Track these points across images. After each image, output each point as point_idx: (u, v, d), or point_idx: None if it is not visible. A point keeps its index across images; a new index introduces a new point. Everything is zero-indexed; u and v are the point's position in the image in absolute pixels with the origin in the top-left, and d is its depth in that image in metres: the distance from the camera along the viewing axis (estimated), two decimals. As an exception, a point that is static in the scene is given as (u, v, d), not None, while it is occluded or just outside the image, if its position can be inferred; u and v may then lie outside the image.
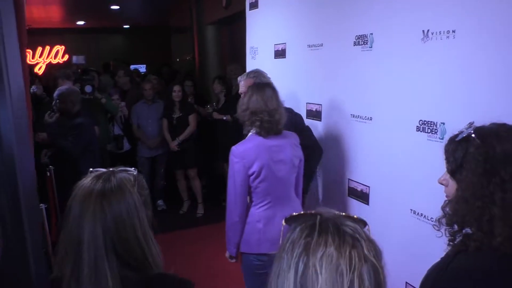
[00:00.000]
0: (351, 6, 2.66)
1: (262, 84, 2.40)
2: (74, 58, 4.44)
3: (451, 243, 1.15)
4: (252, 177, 2.25)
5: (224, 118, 5.13)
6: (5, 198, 0.85)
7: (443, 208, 1.16)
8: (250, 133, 2.34)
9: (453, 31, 1.95)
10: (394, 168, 2.37)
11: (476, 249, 1.05)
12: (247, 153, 2.24)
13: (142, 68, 10.98)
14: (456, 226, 1.12)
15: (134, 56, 12.54)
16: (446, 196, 1.20)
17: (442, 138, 2.04)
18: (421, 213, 2.20)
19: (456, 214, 1.10)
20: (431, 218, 2.10)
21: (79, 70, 6.02)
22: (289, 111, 2.69)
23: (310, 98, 3.19)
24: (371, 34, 2.50)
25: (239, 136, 5.09)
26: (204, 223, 5.11)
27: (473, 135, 1.09)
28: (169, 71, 8.30)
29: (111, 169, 1.12)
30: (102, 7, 9.62)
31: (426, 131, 2.13)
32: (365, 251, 0.72)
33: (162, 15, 11.15)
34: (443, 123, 2.04)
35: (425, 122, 2.14)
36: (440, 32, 2.03)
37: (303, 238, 0.74)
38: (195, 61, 8.58)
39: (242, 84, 2.87)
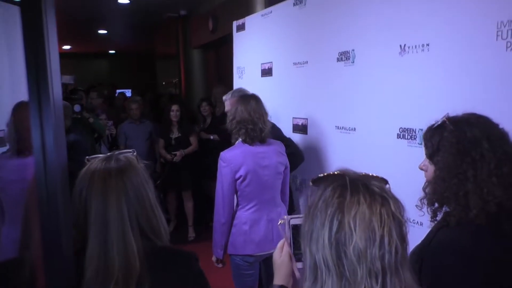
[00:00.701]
0: (334, 25, 2.84)
1: (247, 96, 2.59)
2: (63, 77, 4.51)
3: (433, 220, 1.27)
4: (238, 181, 2.41)
5: (211, 137, 5.23)
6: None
7: (424, 189, 1.29)
8: (237, 141, 2.52)
9: (427, 45, 2.13)
10: (377, 173, 2.49)
11: (456, 223, 1.17)
12: (234, 158, 2.42)
13: (128, 93, 11.09)
14: (436, 204, 1.24)
15: (120, 80, 12.68)
16: (427, 181, 1.33)
17: (421, 143, 2.18)
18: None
19: (435, 192, 1.23)
20: (413, 220, 2.22)
21: (68, 90, 6.08)
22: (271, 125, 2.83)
23: (296, 113, 3.34)
24: (353, 50, 2.67)
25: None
26: (194, 241, 5.14)
27: (447, 122, 1.24)
28: (153, 96, 8.46)
29: (110, 153, 1.20)
30: (90, 31, 9.80)
31: (406, 137, 2.28)
32: (392, 208, 0.79)
33: (148, 40, 11.34)
34: (421, 129, 2.19)
35: (405, 129, 2.29)
36: (415, 46, 2.20)
37: (336, 197, 0.80)
38: (181, 84, 8.73)
39: (228, 103, 2.96)
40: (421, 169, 1.35)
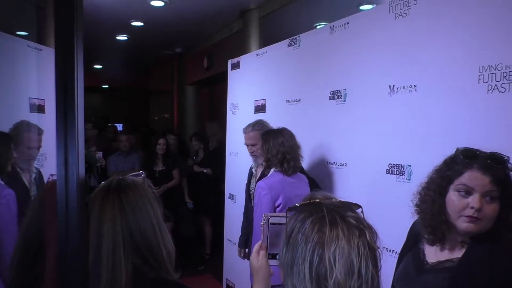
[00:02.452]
0: (326, 65, 2.99)
1: (284, 129, 2.73)
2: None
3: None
4: (278, 209, 2.52)
5: (205, 170, 5.30)
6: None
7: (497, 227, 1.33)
8: (271, 171, 2.66)
9: (415, 86, 2.27)
10: (367, 208, 2.56)
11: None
12: (274, 186, 2.55)
13: (120, 127, 11.16)
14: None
15: (113, 114, 12.78)
16: (472, 218, 1.32)
17: (409, 179, 2.28)
18: (393, 250, 2.37)
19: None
20: (393, 250, 2.28)
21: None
22: None
23: (288, 148, 3.43)
24: (345, 89, 2.81)
25: (217, 188, 5.20)
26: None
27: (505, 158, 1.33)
28: (147, 131, 8.57)
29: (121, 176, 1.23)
30: (85, 66, 9.95)
31: (395, 173, 2.38)
32: (368, 239, 0.83)
33: (142, 76, 11.55)
34: (410, 165, 2.29)
35: (394, 165, 2.39)
36: (404, 86, 2.34)
37: (316, 232, 0.83)
38: (173, 119, 8.85)
39: (250, 136, 3.05)
40: (479, 209, 1.30)
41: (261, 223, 1.15)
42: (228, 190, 4.56)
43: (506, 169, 1.32)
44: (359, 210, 0.90)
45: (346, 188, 2.78)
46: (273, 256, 1.12)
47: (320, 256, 0.81)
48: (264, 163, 2.84)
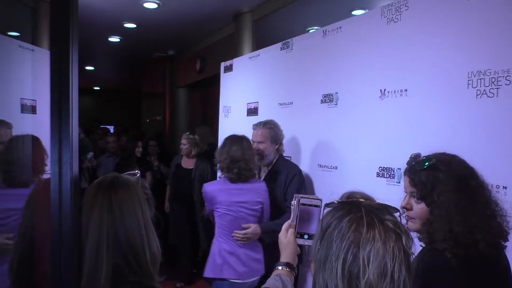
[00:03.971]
0: (319, 69, 3.02)
1: (239, 136, 2.75)
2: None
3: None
4: (215, 213, 2.65)
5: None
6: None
7: (413, 227, 1.36)
8: (222, 176, 2.70)
9: (405, 90, 2.30)
10: (358, 211, 2.59)
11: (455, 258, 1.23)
12: (213, 193, 2.64)
13: (111, 129, 11.12)
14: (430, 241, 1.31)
15: (104, 116, 12.72)
16: (409, 217, 1.41)
17: (399, 182, 2.30)
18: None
19: (436, 230, 1.27)
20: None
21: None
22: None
23: (280, 151, 3.45)
24: (336, 93, 2.84)
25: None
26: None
27: (437, 163, 1.34)
28: (136, 133, 8.54)
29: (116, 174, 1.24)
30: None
31: (385, 176, 2.40)
32: (404, 244, 0.83)
33: (135, 78, 11.51)
34: (399, 169, 2.31)
35: (384, 169, 2.42)
36: (395, 90, 2.37)
37: (352, 231, 0.83)
38: (165, 122, 8.84)
39: (259, 133, 2.95)
40: (405, 207, 1.41)
41: (292, 202, 1.19)
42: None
43: (429, 171, 1.35)
44: (396, 214, 0.91)
45: (337, 191, 2.79)
46: (301, 235, 1.17)
47: (354, 255, 0.81)
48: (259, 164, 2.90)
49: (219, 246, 2.64)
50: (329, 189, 2.88)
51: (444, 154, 1.43)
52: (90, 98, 14.75)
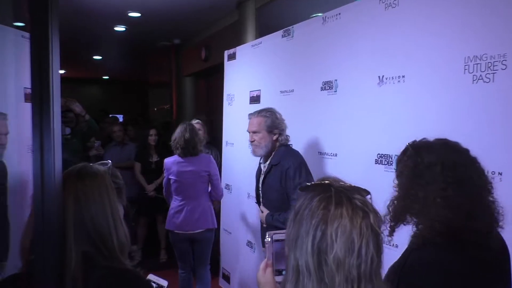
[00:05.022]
0: (319, 56, 3.01)
1: (184, 124, 3.56)
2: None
3: (390, 236, 1.36)
4: (171, 180, 3.55)
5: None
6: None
7: (388, 206, 1.39)
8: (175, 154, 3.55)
9: (403, 76, 2.29)
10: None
11: (422, 244, 1.26)
12: (168, 164, 3.58)
13: (121, 118, 11.20)
14: (395, 221, 1.34)
15: (112, 106, 12.81)
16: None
17: (397, 169, 2.30)
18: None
19: (393, 210, 1.33)
20: (386, 242, 2.31)
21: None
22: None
23: (282, 139, 3.45)
24: (336, 80, 2.83)
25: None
26: (166, 264, 5.12)
27: (409, 148, 1.36)
28: (144, 122, 8.63)
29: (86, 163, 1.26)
30: (84, 57, 9.97)
31: (383, 163, 2.40)
32: (372, 221, 0.86)
33: (141, 67, 11.55)
34: (397, 155, 2.30)
35: (382, 156, 2.41)
36: (392, 77, 2.36)
37: (321, 209, 0.86)
38: (172, 110, 8.88)
39: (254, 122, 2.83)
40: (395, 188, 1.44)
41: (266, 240, 1.16)
42: (224, 180, 4.59)
43: (401, 156, 1.40)
44: (368, 197, 0.93)
45: (337, 178, 2.80)
46: (279, 272, 1.13)
47: (323, 231, 0.84)
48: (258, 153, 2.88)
49: (172, 204, 3.60)
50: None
51: (437, 139, 1.43)
52: (99, 87, 14.84)
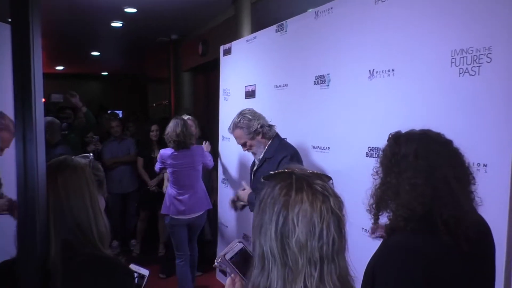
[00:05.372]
0: (311, 50, 3.03)
1: (176, 119, 3.79)
2: (53, 96, 4.71)
3: (374, 224, 1.40)
4: (168, 171, 3.86)
5: None
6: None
7: (370, 195, 1.43)
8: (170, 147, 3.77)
9: (393, 70, 2.31)
10: (348, 190, 2.62)
11: (391, 231, 1.31)
12: (164, 157, 3.80)
13: (120, 114, 11.21)
14: (377, 209, 1.38)
15: (111, 101, 12.83)
16: None
17: (387, 161, 2.33)
18: (372, 231, 2.44)
19: (375, 199, 1.37)
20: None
21: (56, 108, 6.22)
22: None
23: (276, 133, 3.48)
24: (328, 74, 2.85)
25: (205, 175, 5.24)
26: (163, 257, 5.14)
27: (390, 138, 1.39)
28: (143, 118, 8.68)
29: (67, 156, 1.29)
30: (82, 53, 9.98)
31: (374, 156, 2.43)
32: (332, 205, 0.89)
33: (139, 63, 11.55)
34: (387, 148, 2.34)
35: (373, 148, 2.44)
36: (382, 71, 2.38)
37: (283, 195, 0.89)
38: (171, 106, 8.89)
39: (236, 135, 2.95)
40: None
41: (218, 264, 1.17)
42: (221, 175, 4.62)
43: (387, 149, 1.42)
44: (330, 182, 0.96)
45: (329, 172, 2.83)
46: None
47: (285, 217, 0.87)
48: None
49: (169, 192, 3.85)
50: (322, 170, 2.92)
51: (420, 130, 1.46)
52: (97, 83, 14.86)
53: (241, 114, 2.93)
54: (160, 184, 5.02)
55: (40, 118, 0.90)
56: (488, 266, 1.39)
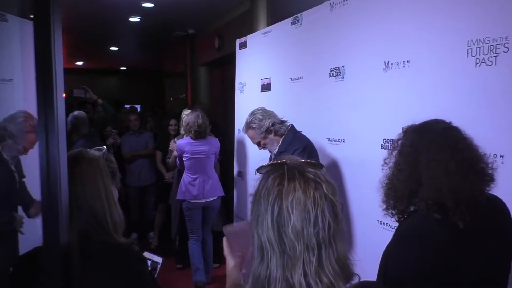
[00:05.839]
0: (326, 43, 3.02)
1: (194, 111, 4.03)
2: (75, 91, 4.81)
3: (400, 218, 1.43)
4: (184, 159, 4.05)
5: None
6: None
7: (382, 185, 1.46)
8: (187, 136, 4.05)
9: (408, 61, 2.29)
10: (363, 182, 2.63)
11: (402, 216, 1.38)
12: (181, 145, 4.04)
13: (139, 108, 11.34)
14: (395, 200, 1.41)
15: (130, 96, 12.99)
16: None
17: (402, 153, 2.32)
18: (387, 223, 2.44)
19: (385, 187, 1.45)
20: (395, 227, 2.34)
21: (76, 103, 6.35)
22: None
23: (292, 126, 3.49)
24: (343, 66, 2.84)
25: (221, 168, 5.26)
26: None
27: (402, 131, 1.41)
28: (161, 112, 8.78)
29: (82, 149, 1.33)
30: (101, 48, 10.13)
31: (389, 148, 2.42)
32: (325, 191, 0.90)
33: (157, 58, 11.65)
34: (402, 140, 2.33)
35: (388, 140, 2.43)
36: (398, 62, 2.36)
37: (276, 185, 0.91)
38: (187, 100, 8.96)
39: (249, 136, 3.09)
40: None
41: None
42: (237, 167, 4.66)
43: (396, 141, 1.50)
44: (323, 170, 0.97)
45: (344, 164, 2.84)
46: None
47: (279, 206, 0.89)
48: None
49: (185, 178, 4.09)
50: (337, 162, 2.92)
51: (432, 121, 1.51)
52: (116, 78, 15.05)
53: (253, 114, 3.03)
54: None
55: (61, 112, 0.94)
56: (503, 244, 1.39)
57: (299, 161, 0.97)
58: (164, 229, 5.62)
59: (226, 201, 5.38)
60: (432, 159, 1.33)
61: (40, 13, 0.92)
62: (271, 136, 2.95)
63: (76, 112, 4.15)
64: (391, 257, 1.35)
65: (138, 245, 5.28)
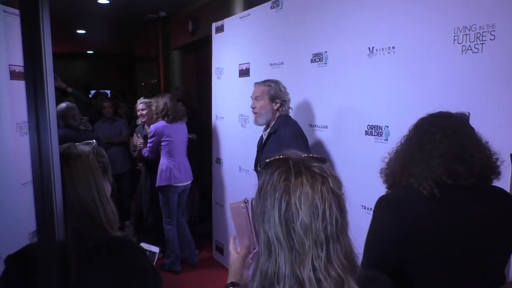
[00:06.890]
0: (308, 27, 2.98)
1: (169, 95, 4.17)
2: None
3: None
4: (163, 143, 4.08)
5: (190, 136, 5.30)
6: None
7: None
8: (161, 120, 4.09)
9: (393, 47, 2.29)
10: (348, 168, 2.64)
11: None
12: (159, 129, 4.05)
13: (109, 94, 11.04)
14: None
15: (98, 81, 12.61)
16: None
17: (387, 140, 2.34)
18: (371, 208, 2.46)
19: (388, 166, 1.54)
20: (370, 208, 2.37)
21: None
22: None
23: (272, 112, 3.46)
24: (326, 52, 2.82)
25: (200, 154, 5.23)
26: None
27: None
28: (132, 97, 8.57)
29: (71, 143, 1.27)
30: (67, 31, 9.73)
31: (373, 134, 2.43)
32: (331, 185, 0.89)
33: (127, 41, 11.32)
34: (387, 126, 2.34)
35: (372, 127, 2.44)
36: (382, 48, 2.36)
37: (282, 181, 0.90)
38: (160, 85, 8.77)
39: (258, 89, 2.95)
40: None
41: (242, 205, 1.19)
42: (215, 154, 4.61)
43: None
44: (326, 164, 0.96)
45: (327, 150, 2.84)
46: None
47: (287, 202, 0.88)
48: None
49: (166, 163, 4.09)
50: (321, 149, 2.92)
51: (438, 113, 1.51)
52: (83, 62, 14.56)
53: (278, 81, 2.95)
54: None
55: (52, 107, 0.87)
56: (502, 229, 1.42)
57: (303, 155, 0.96)
58: (140, 218, 5.54)
59: (205, 188, 5.34)
60: (434, 146, 1.38)
61: (27, 3, 0.84)
62: (274, 106, 2.88)
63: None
64: (371, 221, 1.43)
65: (135, 236, 5.21)
